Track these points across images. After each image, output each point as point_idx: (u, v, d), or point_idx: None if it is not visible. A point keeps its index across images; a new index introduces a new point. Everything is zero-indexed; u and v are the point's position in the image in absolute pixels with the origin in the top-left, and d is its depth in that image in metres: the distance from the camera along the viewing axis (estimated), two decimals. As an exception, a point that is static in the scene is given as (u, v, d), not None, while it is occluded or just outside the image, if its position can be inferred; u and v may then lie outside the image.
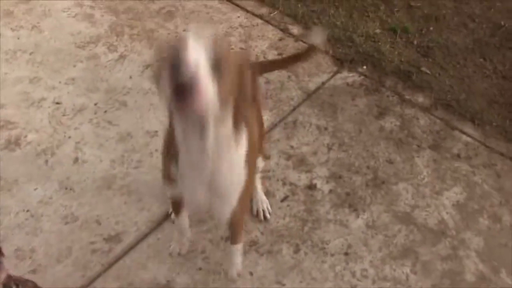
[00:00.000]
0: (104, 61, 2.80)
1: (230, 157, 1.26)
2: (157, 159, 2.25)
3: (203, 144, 1.16)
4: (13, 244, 1.97)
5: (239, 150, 1.29)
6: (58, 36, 2.96)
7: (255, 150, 1.47)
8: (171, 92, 0.98)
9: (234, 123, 1.18)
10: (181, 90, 0.97)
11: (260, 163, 1.94)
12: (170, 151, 1.35)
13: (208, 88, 0.99)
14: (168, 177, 1.44)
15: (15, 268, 1.88)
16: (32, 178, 2.20)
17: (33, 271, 1.90)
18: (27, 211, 2.08)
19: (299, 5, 3.34)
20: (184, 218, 1.85)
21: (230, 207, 1.45)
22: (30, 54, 2.82)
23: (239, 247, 1.85)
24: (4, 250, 1.93)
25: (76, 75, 2.71)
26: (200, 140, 1.15)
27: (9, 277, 1.38)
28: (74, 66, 2.76)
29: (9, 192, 2.13)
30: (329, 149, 2.46)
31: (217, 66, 1.01)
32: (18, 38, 2.90)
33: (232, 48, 1.27)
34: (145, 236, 2.02)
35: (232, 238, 1.81)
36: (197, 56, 0.97)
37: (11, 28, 2.95)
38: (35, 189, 2.17)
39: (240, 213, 1.53)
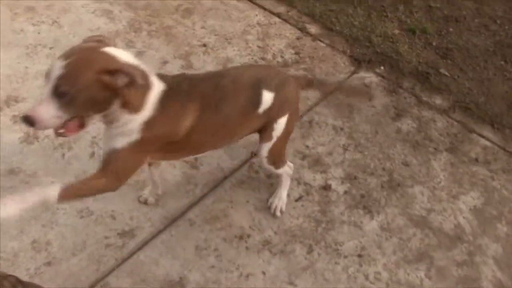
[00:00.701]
0: (122, 57, 2.81)
1: (122, 125, 1.54)
2: (173, 156, 2.27)
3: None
4: (29, 236, 2.00)
5: (131, 122, 1.53)
6: (77, 31, 2.98)
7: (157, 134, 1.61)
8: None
9: (122, 106, 1.46)
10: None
11: (290, 169, 2.12)
12: None
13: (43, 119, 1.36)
14: None
15: (31, 260, 1.91)
16: (49, 172, 2.22)
17: (48, 264, 1.92)
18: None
19: (317, 4, 3.33)
20: (150, 169, 2.03)
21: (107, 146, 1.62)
22: (50, 48, 2.84)
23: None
24: (21, 242, 1.97)
25: None
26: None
27: None
28: (93, 61, 2.78)
29: (27, 185, 2.16)
30: (345, 149, 2.44)
31: (62, 91, 1.34)
32: (39, 33, 2.93)
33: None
34: (159, 232, 2.03)
35: None
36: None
37: (32, 23, 2.98)
38: (52, 183, 2.18)
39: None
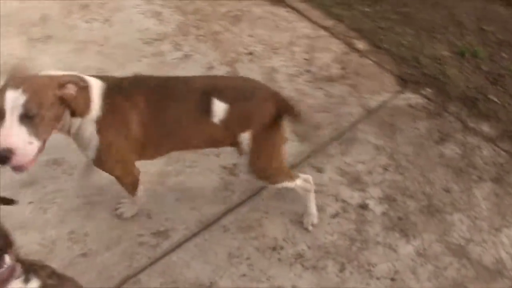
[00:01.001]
0: (169, 58, 2.86)
1: (78, 131, 1.65)
2: (212, 161, 2.28)
3: None
4: (68, 226, 2.04)
5: (87, 125, 1.64)
6: (127, 31, 3.06)
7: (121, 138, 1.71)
8: None
9: (72, 113, 1.57)
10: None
11: (303, 182, 2.04)
12: None
13: (22, 152, 1.38)
14: None
15: (68, 250, 1.95)
16: (91, 166, 2.27)
17: (84, 255, 1.96)
18: (84, 196, 2.15)
19: (366, 20, 3.30)
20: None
21: (89, 156, 1.75)
22: (100, 46, 2.92)
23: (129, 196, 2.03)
24: (60, 232, 2.02)
25: (140, 70, 2.77)
26: None
27: (22, 261, 1.24)
28: (139, 61, 2.84)
29: (70, 177, 2.21)
30: (385, 170, 2.40)
31: (31, 113, 1.39)
32: (91, 30, 3.02)
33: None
34: (193, 235, 2.04)
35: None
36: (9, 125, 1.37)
37: (85, 21, 3.08)
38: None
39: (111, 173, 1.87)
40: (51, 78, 1.50)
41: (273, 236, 2.07)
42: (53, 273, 1.28)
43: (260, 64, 2.87)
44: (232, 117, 1.74)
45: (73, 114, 1.58)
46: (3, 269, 1.00)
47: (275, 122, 1.81)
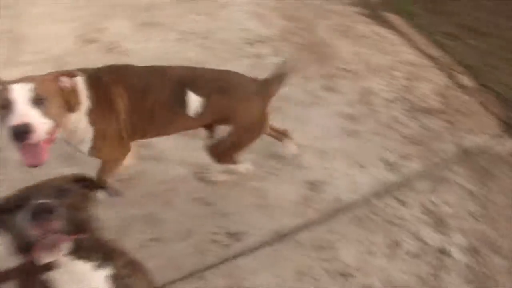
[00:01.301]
0: (267, 62, 2.86)
1: (74, 126, 1.68)
2: (296, 173, 2.25)
3: None
4: (145, 209, 2.10)
5: (80, 118, 1.68)
6: (229, 27, 3.11)
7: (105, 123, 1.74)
8: (11, 136, 1.39)
9: (68, 109, 1.60)
10: (16, 133, 1.39)
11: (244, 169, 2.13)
12: None
13: (37, 125, 1.42)
14: None
15: (144, 231, 2.00)
16: (174, 155, 2.32)
17: (157, 239, 2.00)
18: (167, 182, 2.20)
19: (474, 55, 3.13)
20: None
21: (84, 148, 1.78)
22: (203, 38, 3.00)
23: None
24: (137, 213, 2.08)
25: (239, 69, 2.75)
26: None
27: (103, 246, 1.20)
28: (239, 60, 2.87)
29: (155, 161, 2.28)
30: (473, 217, 2.25)
31: (40, 97, 1.45)
32: (196, 22, 3.11)
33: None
34: (266, 244, 2.02)
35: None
36: (22, 105, 1.42)
37: (192, 12, 3.17)
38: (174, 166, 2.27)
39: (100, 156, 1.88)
40: (44, 75, 1.57)
41: (345, 261, 2.01)
42: (130, 262, 1.27)
43: (357, 83, 2.81)
44: (210, 111, 1.78)
45: (68, 108, 1.62)
46: (46, 238, 0.98)
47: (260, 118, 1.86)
